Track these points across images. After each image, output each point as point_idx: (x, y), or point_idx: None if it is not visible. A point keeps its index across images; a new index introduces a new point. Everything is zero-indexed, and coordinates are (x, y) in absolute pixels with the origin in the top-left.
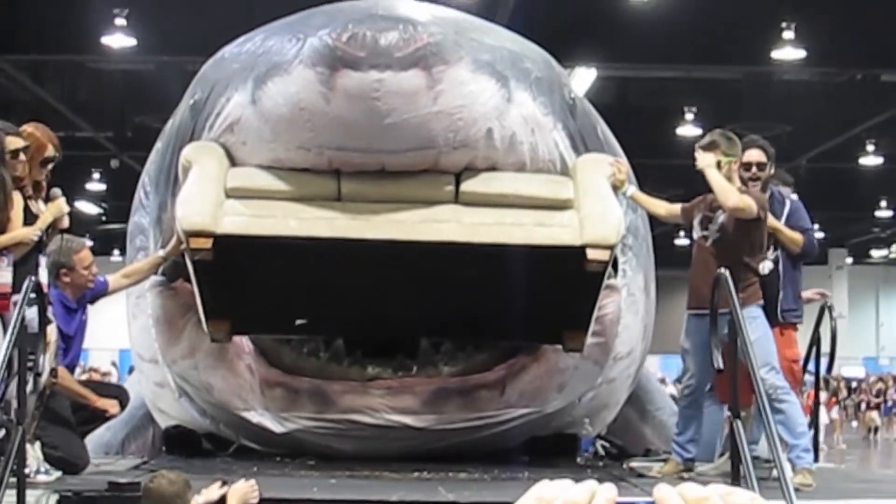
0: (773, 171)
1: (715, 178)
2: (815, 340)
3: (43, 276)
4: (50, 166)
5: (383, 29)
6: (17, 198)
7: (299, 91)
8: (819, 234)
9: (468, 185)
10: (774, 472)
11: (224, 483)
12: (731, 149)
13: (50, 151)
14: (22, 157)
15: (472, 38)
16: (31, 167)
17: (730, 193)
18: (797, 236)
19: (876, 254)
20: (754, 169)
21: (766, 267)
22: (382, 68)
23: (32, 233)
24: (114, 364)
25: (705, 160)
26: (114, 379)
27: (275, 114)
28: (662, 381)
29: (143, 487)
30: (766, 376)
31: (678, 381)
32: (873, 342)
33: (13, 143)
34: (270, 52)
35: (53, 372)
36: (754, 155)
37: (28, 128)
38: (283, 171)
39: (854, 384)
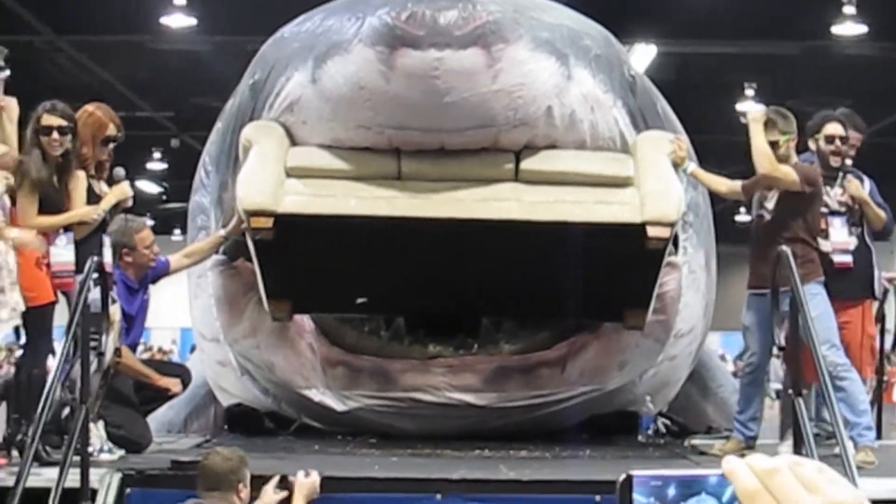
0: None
1: (757, 137)
2: (880, 317)
3: (107, 255)
4: (112, 146)
5: (442, 7)
6: (81, 176)
7: (359, 70)
8: None
9: (528, 164)
10: (836, 450)
11: (283, 479)
12: (788, 126)
13: (111, 130)
14: (55, 135)
15: (531, 16)
16: (94, 146)
17: (764, 159)
18: (882, 213)
19: None
20: (837, 142)
21: (827, 244)
22: (442, 47)
23: (94, 212)
24: (174, 342)
25: (754, 115)
26: (174, 358)
27: (335, 93)
28: (722, 357)
29: (199, 465)
30: (826, 353)
31: (739, 358)
32: None
33: (47, 119)
34: (330, 32)
35: (117, 352)
36: (833, 129)
37: (89, 107)
38: (343, 150)
39: None
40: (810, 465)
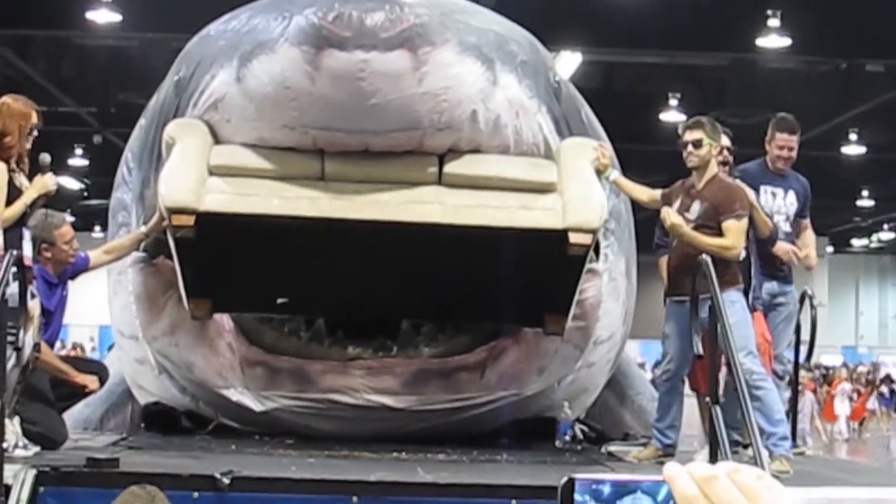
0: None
1: (696, 239)
2: (796, 329)
3: (26, 249)
4: (33, 135)
5: (369, 9)
6: (2, 168)
7: (284, 70)
8: None
9: (452, 167)
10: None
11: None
12: (714, 133)
13: (34, 119)
14: None
15: (458, 20)
16: (20, 137)
17: (718, 248)
18: (768, 220)
19: (857, 243)
20: (725, 153)
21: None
22: (368, 48)
23: (14, 213)
24: (92, 339)
25: (672, 220)
26: (93, 355)
27: (259, 92)
28: (642, 365)
29: None
30: (743, 360)
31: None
32: (852, 331)
33: None
34: (256, 31)
35: (37, 347)
36: (725, 140)
37: (7, 99)
38: (266, 149)
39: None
40: (748, 471)
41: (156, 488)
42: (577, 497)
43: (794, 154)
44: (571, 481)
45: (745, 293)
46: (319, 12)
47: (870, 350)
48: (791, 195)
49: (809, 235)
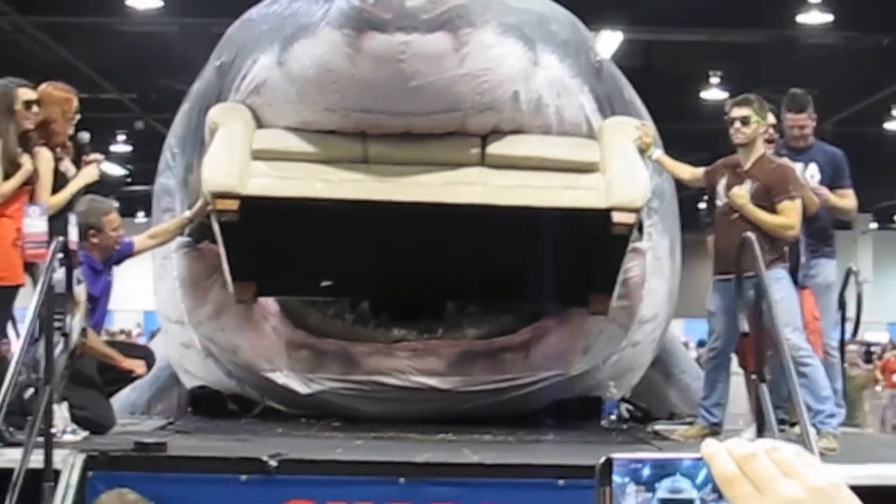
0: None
1: (756, 214)
2: (841, 305)
3: (73, 234)
4: (75, 120)
5: None
6: (47, 155)
7: (326, 53)
8: None
9: (494, 148)
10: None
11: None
12: (761, 111)
13: (75, 103)
14: (35, 108)
15: (499, 1)
16: (64, 122)
17: (779, 227)
18: (815, 197)
19: None
20: (771, 130)
21: None
22: (409, 30)
23: (61, 201)
24: (139, 326)
25: (739, 194)
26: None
27: (301, 76)
28: (686, 344)
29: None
30: (789, 336)
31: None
32: None
33: (24, 94)
34: (297, 14)
35: (84, 332)
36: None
37: (46, 87)
38: (309, 132)
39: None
40: (787, 449)
41: (133, 492)
42: (615, 478)
43: (806, 131)
44: (609, 462)
45: (795, 270)
46: None
47: None
48: (812, 167)
49: (843, 202)
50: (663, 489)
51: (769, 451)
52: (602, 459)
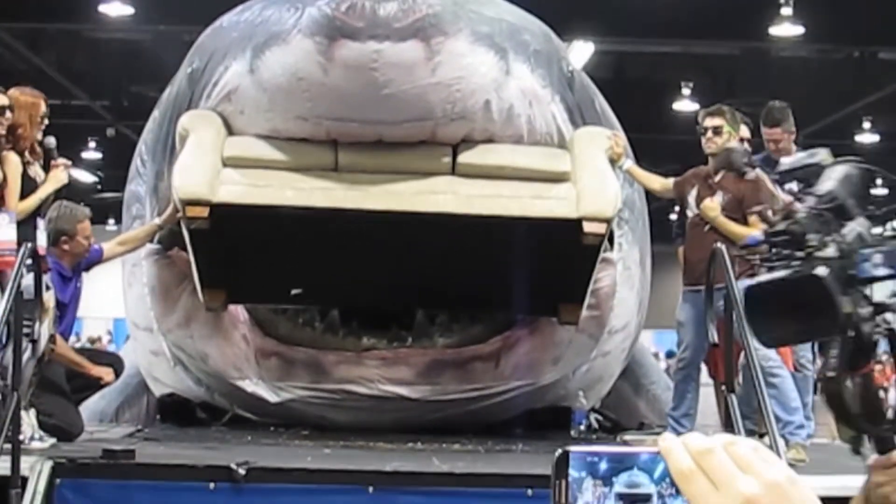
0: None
1: (726, 226)
2: None
3: (41, 240)
4: (44, 124)
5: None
6: (15, 159)
7: (297, 61)
8: None
9: (465, 157)
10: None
11: None
12: (734, 122)
13: (43, 108)
14: (8, 114)
15: (471, 10)
16: (31, 127)
17: (740, 230)
18: None
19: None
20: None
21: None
22: (381, 39)
23: (29, 206)
24: (109, 332)
25: (710, 207)
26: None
27: (273, 83)
28: (655, 355)
29: None
30: (759, 346)
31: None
32: None
33: None
34: (269, 22)
35: (52, 339)
36: (745, 131)
37: (13, 92)
38: (280, 140)
39: None
40: (744, 443)
41: None
42: (572, 472)
43: (781, 145)
44: (566, 454)
45: None
46: (332, 3)
47: None
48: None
49: None
50: (620, 483)
51: (726, 446)
52: (558, 452)
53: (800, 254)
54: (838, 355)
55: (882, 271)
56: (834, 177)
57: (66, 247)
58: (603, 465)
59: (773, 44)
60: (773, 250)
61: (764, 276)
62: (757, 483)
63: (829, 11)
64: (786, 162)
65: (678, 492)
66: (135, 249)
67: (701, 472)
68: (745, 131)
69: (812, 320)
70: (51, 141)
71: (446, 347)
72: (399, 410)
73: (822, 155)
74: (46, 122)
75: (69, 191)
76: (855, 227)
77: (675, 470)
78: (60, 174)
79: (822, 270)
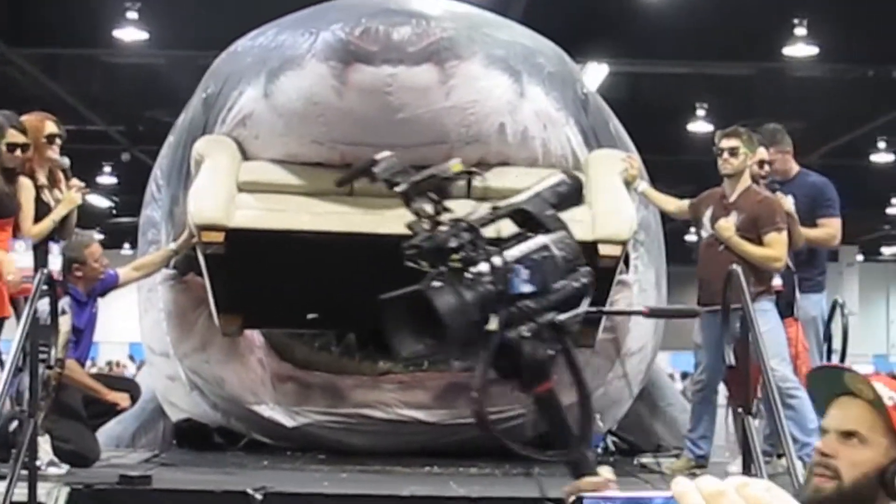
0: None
1: (742, 246)
2: (827, 338)
3: (55, 264)
4: (57, 143)
5: (396, 23)
6: (27, 184)
7: (312, 85)
8: None
9: (480, 180)
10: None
11: None
12: (751, 143)
13: (50, 127)
14: (18, 153)
15: (485, 34)
16: (38, 149)
17: (766, 259)
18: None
19: (887, 251)
20: (766, 166)
21: None
22: (395, 63)
23: (43, 230)
24: (131, 358)
25: (725, 227)
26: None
27: (287, 108)
28: (671, 376)
29: None
30: (776, 367)
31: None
32: (884, 340)
33: (11, 136)
34: (283, 47)
35: (60, 363)
36: (762, 153)
37: (24, 118)
38: (295, 165)
39: None
40: (757, 484)
41: None
42: None
43: (775, 166)
44: (580, 501)
45: (790, 302)
46: (346, 27)
47: None
48: (788, 200)
49: (813, 232)
50: None
51: (739, 488)
52: (571, 499)
53: (443, 268)
54: (479, 373)
55: (528, 287)
56: (530, 191)
57: (79, 273)
58: None
59: (788, 64)
60: (421, 262)
61: (400, 290)
62: None
63: (843, 31)
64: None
65: None
66: (150, 274)
67: None
68: (762, 152)
69: (436, 335)
70: (64, 161)
71: (463, 371)
72: (416, 434)
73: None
74: (59, 142)
75: (85, 215)
76: (541, 240)
77: None
78: (74, 195)
79: (433, 284)
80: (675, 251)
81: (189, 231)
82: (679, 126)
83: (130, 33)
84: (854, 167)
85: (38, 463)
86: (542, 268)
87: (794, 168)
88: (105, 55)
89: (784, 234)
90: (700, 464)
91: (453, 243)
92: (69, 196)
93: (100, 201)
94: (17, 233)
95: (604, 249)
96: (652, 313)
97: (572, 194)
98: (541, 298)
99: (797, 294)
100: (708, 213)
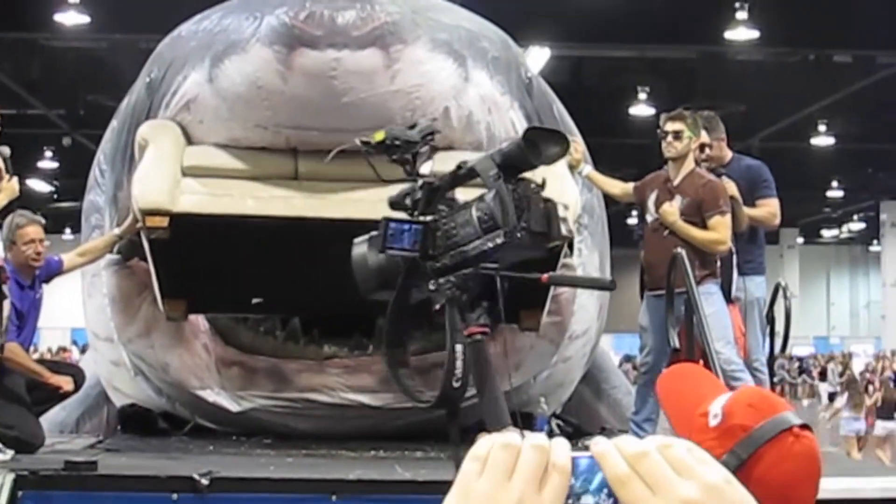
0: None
1: (687, 231)
2: (770, 320)
3: None
4: None
5: (340, 8)
6: None
7: (256, 70)
8: None
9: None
10: None
11: None
12: (695, 127)
13: None
14: None
15: (430, 18)
16: None
17: (711, 242)
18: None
19: (827, 234)
20: (707, 150)
21: None
22: (340, 47)
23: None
24: (74, 343)
25: (669, 212)
26: (74, 359)
27: (232, 92)
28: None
29: None
30: (721, 350)
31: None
32: (824, 322)
33: None
34: (227, 31)
35: (0, 347)
36: (705, 136)
37: None
38: (240, 149)
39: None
40: (679, 445)
41: None
42: None
43: (714, 152)
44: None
45: (728, 285)
46: (291, 11)
47: (841, 340)
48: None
49: (754, 211)
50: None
51: (661, 449)
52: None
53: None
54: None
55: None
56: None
57: (8, 254)
58: None
59: (729, 47)
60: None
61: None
62: (695, 486)
63: (784, 15)
64: None
65: (615, 500)
66: (95, 260)
67: (637, 477)
68: (705, 136)
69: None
70: (4, 150)
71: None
72: (361, 418)
73: None
74: None
75: (25, 199)
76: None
77: (611, 476)
78: (14, 185)
79: (356, 240)
80: (617, 234)
81: (133, 216)
82: (621, 109)
83: (72, 17)
84: (794, 150)
85: None
86: (459, 228)
87: (728, 154)
88: (46, 38)
89: (728, 217)
90: None
91: (407, 201)
92: (10, 186)
93: (41, 186)
94: None
95: None
96: (552, 280)
97: (515, 152)
98: (452, 256)
99: (734, 276)
100: (652, 197)
